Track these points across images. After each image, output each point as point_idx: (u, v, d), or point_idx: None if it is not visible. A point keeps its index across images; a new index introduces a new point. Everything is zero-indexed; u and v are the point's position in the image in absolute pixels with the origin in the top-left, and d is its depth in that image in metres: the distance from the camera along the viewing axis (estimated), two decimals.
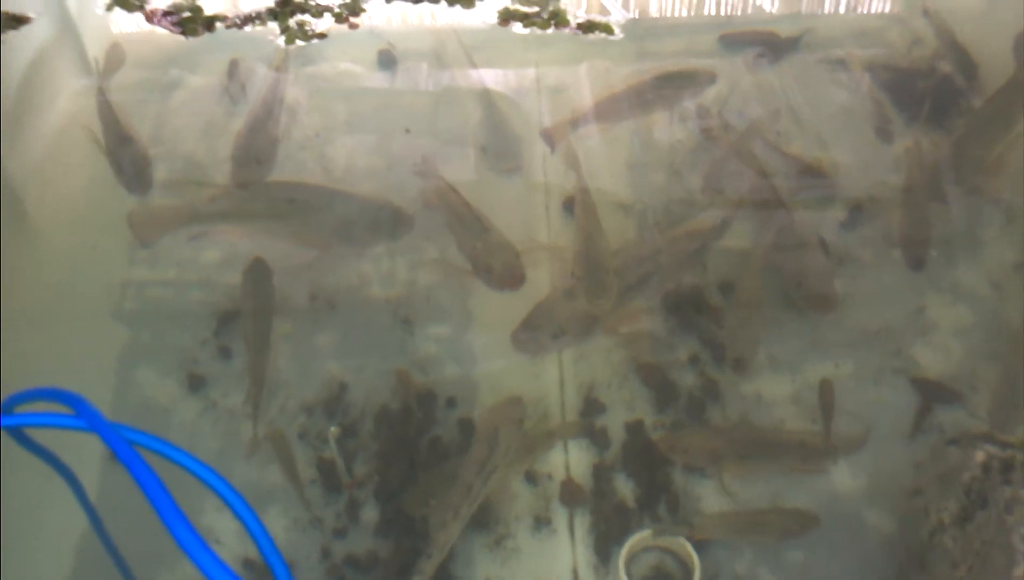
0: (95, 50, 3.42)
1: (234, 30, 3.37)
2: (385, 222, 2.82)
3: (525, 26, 3.32)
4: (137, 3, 3.45)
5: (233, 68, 3.35)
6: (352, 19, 3.39)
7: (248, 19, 3.37)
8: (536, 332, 2.53)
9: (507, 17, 3.34)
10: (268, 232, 2.83)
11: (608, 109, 3.16)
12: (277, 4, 3.43)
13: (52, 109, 3.25)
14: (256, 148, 3.02)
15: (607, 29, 3.30)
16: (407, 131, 3.14)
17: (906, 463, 2.25)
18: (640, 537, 2.17)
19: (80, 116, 3.16)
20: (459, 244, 2.71)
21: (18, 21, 3.37)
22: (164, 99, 3.30)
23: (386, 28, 3.52)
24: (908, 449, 2.33)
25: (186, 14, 3.32)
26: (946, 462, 2.01)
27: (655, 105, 3.19)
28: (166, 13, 3.38)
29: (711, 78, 3.24)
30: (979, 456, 1.92)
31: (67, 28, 3.57)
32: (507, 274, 2.62)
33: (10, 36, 3.37)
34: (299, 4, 3.43)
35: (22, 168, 3.07)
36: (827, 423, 2.35)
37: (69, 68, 3.45)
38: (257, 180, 2.95)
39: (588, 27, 3.30)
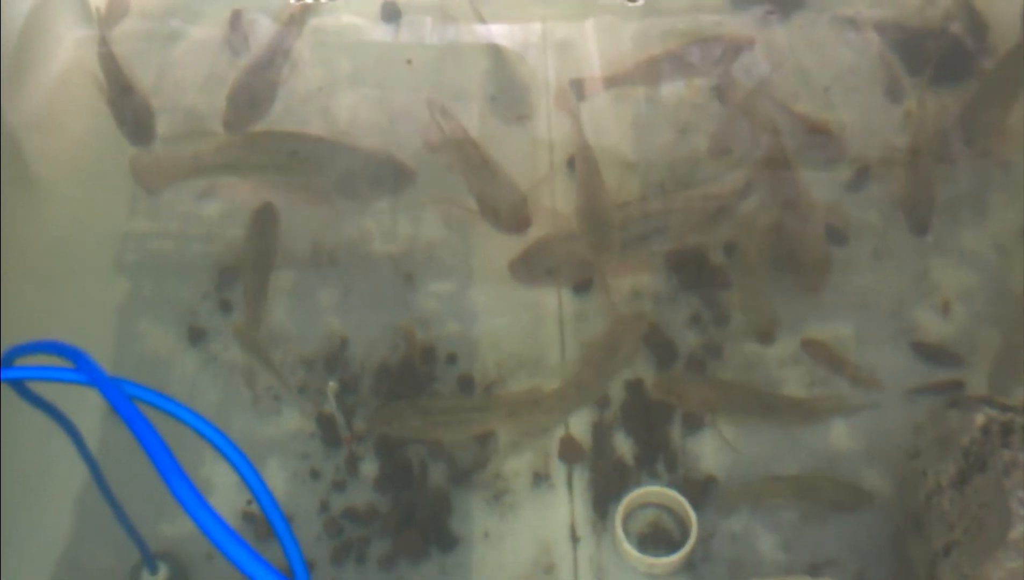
0: None
1: None
2: (387, 176, 2.80)
3: None
4: None
5: (235, 19, 3.30)
6: None
7: None
8: (533, 265, 2.56)
9: None
10: (270, 185, 2.81)
11: (646, 71, 3.12)
12: None
13: (52, 59, 3.22)
14: (252, 91, 2.99)
15: None
16: (409, 62, 3.12)
17: (905, 425, 2.25)
18: (638, 494, 2.19)
19: (81, 66, 3.13)
20: (467, 186, 2.71)
21: None
22: (165, 50, 3.26)
23: None
24: (907, 411, 2.33)
25: None
26: (945, 425, 2.01)
27: (694, 69, 3.14)
28: None
29: (750, 42, 3.20)
30: (979, 419, 1.92)
31: None
32: (513, 217, 2.62)
33: None
34: None
35: (22, 118, 3.04)
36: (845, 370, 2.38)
37: (70, 17, 3.40)
38: (248, 123, 2.93)
39: None
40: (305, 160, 2.82)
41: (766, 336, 2.50)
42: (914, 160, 2.80)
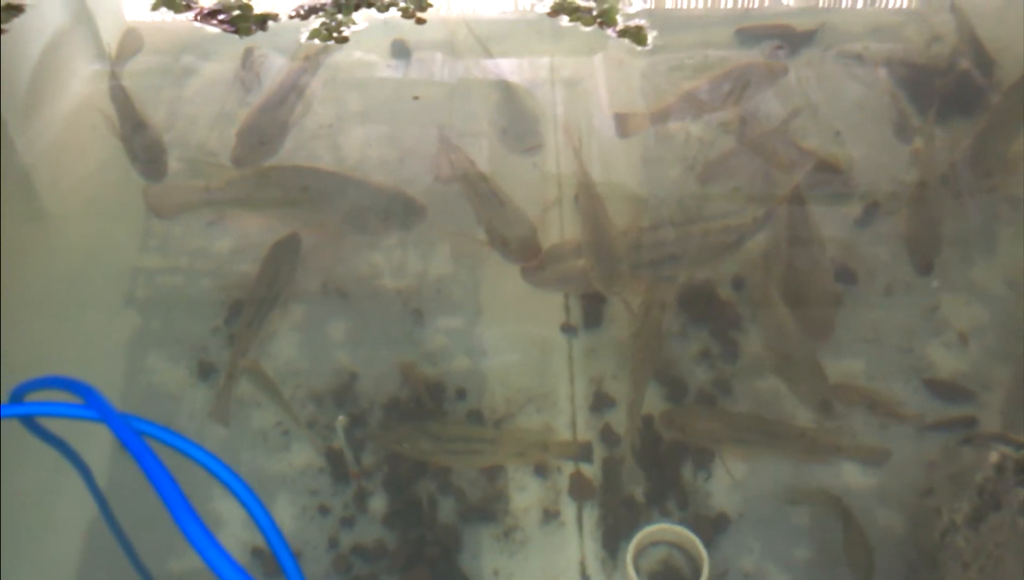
0: (109, 35, 3.42)
1: (297, 20, 3.34)
2: (397, 211, 2.82)
3: (571, 20, 3.28)
4: (184, 3, 3.42)
5: (247, 57, 3.34)
6: (419, 14, 3.35)
7: (313, 10, 3.35)
8: (546, 270, 2.62)
9: (558, 10, 3.31)
10: (281, 219, 2.83)
11: (685, 104, 3.15)
12: None
13: (66, 95, 3.25)
14: (262, 128, 3.02)
15: (641, 40, 3.26)
16: (416, 98, 3.14)
17: (918, 462, 2.23)
18: (648, 531, 2.17)
19: (93, 102, 3.16)
20: (477, 217, 2.73)
21: (15, 10, 3.35)
22: (177, 86, 3.30)
23: (400, 19, 3.50)
24: (920, 448, 2.31)
25: (235, 12, 3.29)
26: (959, 462, 2.00)
27: (732, 100, 3.17)
28: (213, 12, 3.36)
29: (784, 70, 3.24)
30: (993, 457, 1.91)
31: (81, 13, 3.57)
32: (523, 246, 2.65)
33: (23, 21, 3.37)
34: None
35: (34, 153, 3.07)
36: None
37: (84, 53, 3.45)
38: (257, 161, 2.96)
39: (625, 33, 3.26)
40: (316, 194, 2.84)
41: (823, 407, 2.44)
42: (919, 198, 2.81)
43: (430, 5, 3.42)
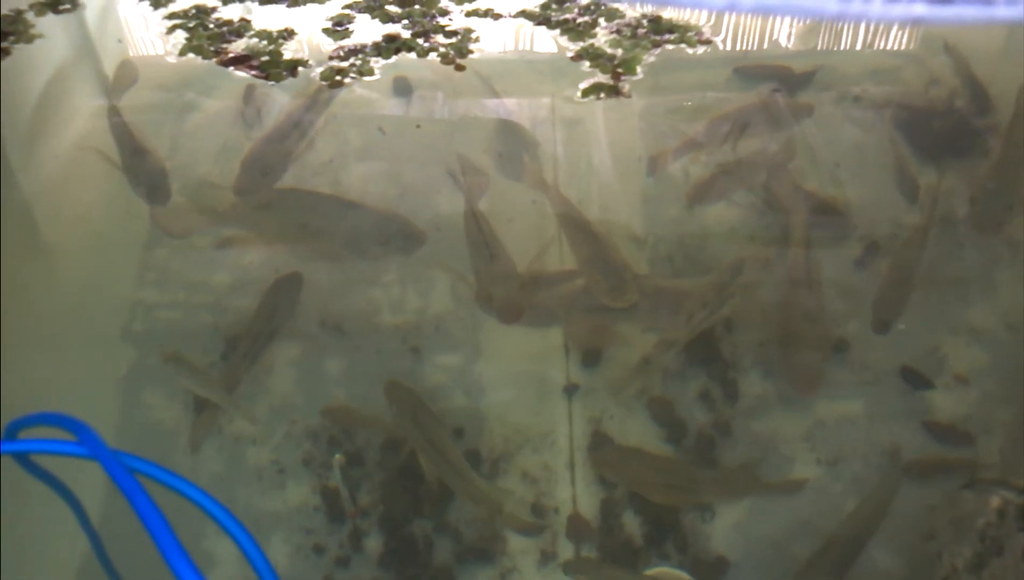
0: (112, 70, 3.44)
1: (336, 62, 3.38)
2: (396, 237, 2.81)
3: (592, 65, 3.31)
4: (212, 49, 3.44)
5: (249, 93, 3.36)
6: (459, 60, 3.37)
7: (352, 52, 3.37)
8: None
9: (582, 55, 3.34)
10: (284, 242, 2.84)
11: (710, 135, 3.17)
12: (384, 39, 3.43)
13: (68, 128, 3.27)
14: (265, 159, 3.03)
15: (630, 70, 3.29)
16: (418, 127, 3.16)
17: (919, 507, 2.21)
18: (648, 575, 2.14)
19: (94, 135, 3.18)
20: (470, 262, 2.74)
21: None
22: (179, 121, 3.31)
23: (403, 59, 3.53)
24: (921, 492, 2.29)
25: (264, 58, 3.31)
26: (961, 507, 1.98)
27: (756, 131, 3.21)
28: (243, 58, 3.38)
29: (809, 109, 3.26)
30: (995, 502, 1.90)
31: (85, 48, 3.59)
32: (505, 307, 2.61)
33: (27, 54, 3.39)
34: (405, 41, 3.42)
35: (35, 187, 3.08)
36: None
37: (85, 87, 3.46)
38: (258, 191, 2.97)
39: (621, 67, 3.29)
40: (316, 219, 2.84)
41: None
42: (900, 250, 2.79)
43: (471, 52, 3.43)
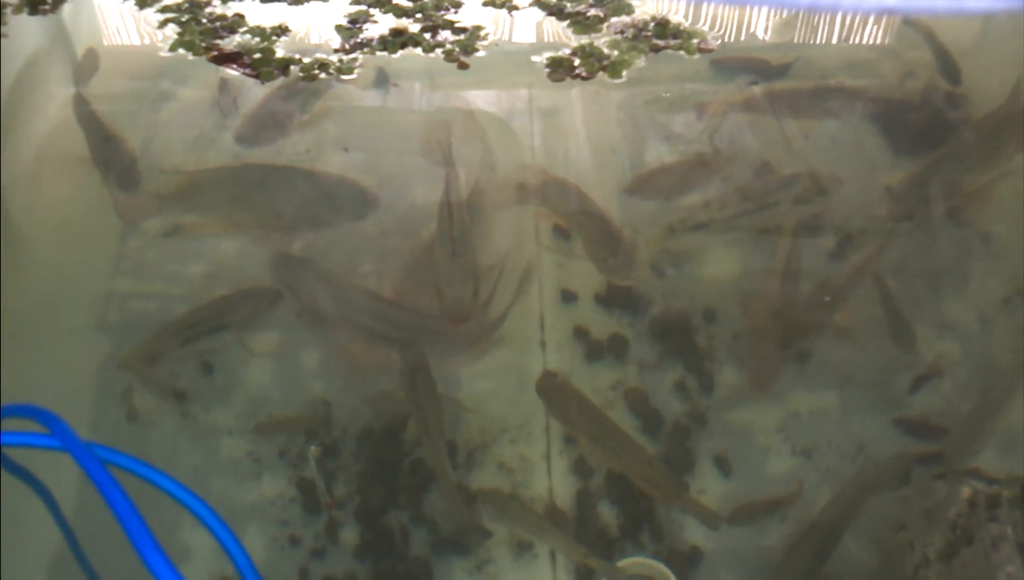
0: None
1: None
2: (349, 201, 2.79)
3: (581, 64, 3.29)
4: (204, 45, 3.40)
5: (224, 82, 3.33)
6: (463, 58, 3.34)
7: (358, 46, 3.34)
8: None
9: (577, 53, 3.33)
10: (233, 221, 2.83)
11: (758, 105, 3.24)
12: (391, 33, 3.40)
13: (41, 119, 3.23)
14: (272, 112, 3.07)
15: (615, 73, 3.28)
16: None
17: (891, 497, 2.23)
18: (622, 564, 2.15)
19: (66, 125, 3.14)
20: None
21: None
22: (154, 111, 3.29)
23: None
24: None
25: (256, 56, 3.28)
26: (932, 497, 2.00)
27: (806, 111, 3.27)
28: (234, 55, 3.33)
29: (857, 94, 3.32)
30: (965, 492, 1.91)
31: (59, 38, 3.56)
32: (452, 309, 2.52)
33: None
34: (412, 36, 3.38)
35: (9, 177, 3.04)
36: None
37: (58, 77, 3.43)
38: (259, 142, 3.03)
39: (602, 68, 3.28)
40: (265, 190, 2.82)
41: None
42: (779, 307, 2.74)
43: (476, 50, 3.41)
